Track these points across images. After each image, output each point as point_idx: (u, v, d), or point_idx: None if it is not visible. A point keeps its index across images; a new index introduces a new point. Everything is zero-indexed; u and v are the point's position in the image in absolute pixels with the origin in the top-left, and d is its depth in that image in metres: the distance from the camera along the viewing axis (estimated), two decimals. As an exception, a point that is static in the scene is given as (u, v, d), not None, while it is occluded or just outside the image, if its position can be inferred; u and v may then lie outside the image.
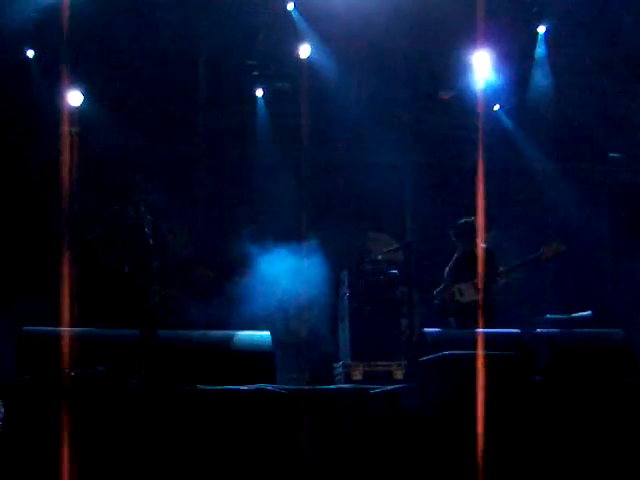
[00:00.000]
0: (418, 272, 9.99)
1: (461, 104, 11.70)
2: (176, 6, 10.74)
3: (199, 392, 6.00)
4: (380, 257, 10.59)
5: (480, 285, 8.63)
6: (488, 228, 9.12)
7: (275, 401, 6.01)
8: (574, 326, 9.44)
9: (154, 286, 8.81)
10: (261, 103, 11.94)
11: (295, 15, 11.00)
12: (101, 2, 10.37)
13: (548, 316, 9.87)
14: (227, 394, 6.01)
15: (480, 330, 7.46)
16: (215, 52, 11.49)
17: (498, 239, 10.54)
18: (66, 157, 9.27)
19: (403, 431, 6.02)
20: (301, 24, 11.02)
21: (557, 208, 11.63)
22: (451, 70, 11.38)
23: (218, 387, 6.07)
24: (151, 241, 8.32)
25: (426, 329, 7.32)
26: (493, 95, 11.56)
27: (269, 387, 6.09)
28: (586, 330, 7.85)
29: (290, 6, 10.96)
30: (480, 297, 8.59)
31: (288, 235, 10.59)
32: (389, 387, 6.32)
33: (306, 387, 7.17)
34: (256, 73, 11.61)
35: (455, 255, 9.18)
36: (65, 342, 6.05)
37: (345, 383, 9.23)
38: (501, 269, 8.84)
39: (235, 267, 10.78)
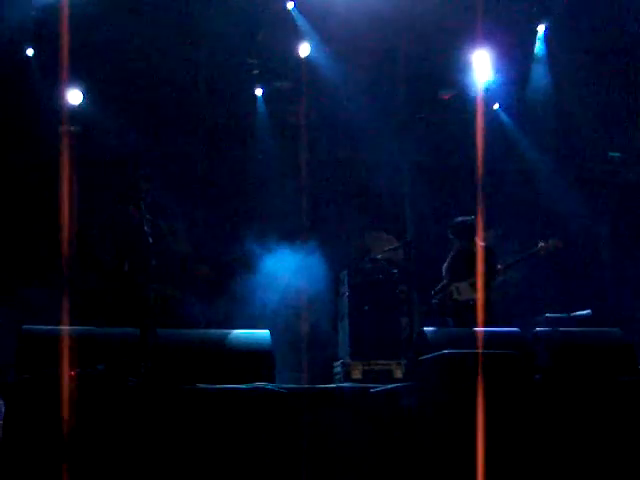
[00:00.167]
0: (418, 271, 9.99)
1: (461, 103, 11.70)
2: (176, 5, 10.73)
3: (198, 391, 6.00)
4: (380, 256, 10.60)
5: (480, 284, 8.63)
6: (487, 227, 9.12)
7: (274, 400, 6.01)
8: (573, 325, 9.47)
9: (153, 285, 8.82)
10: (261, 102, 11.93)
11: (295, 14, 11.00)
12: (101, 1, 10.37)
13: (548, 315, 9.90)
14: (226, 393, 6.02)
15: (480, 329, 7.46)
16: (215, 51, 11.48)
17: (497, 238, 10.55)
18: (65, 156, 9.26)
19: (403, 430, 6.02)
20: (301, 23, 11.02)
21: (556, 207, 11.62)
22: (451, 69, 11.38)
23: (217, 386, 6.07)
24: (150, 240, 8.31)
25: (426, 328, 7.32)
26: (493, 94, 11.56)
27: (268, 386, 6.10)
28: (585, 329, 7.85)
29: (290, 5, 10.96)
30: (480, 295, 8.59)
31: (288, 234, 10.60)
32: (389, 386, 6.32)
33: (305, 386, 7.18)
34: (256, 72, 11.60)
35: (451, 253, 9.18)
36: (65, 341, 6.04)
37: (345, 382, 9.23)
38: (499, 267, 8.85)
39: (235, 266, 10.79)
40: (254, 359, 6.52)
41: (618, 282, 11.80)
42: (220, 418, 5.93)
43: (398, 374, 9.60)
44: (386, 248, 10.69)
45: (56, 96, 10.37)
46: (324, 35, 11.06)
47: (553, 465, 6.03)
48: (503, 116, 12.00)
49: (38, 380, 5.76)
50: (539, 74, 11.64)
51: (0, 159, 10.76)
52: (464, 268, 8.91)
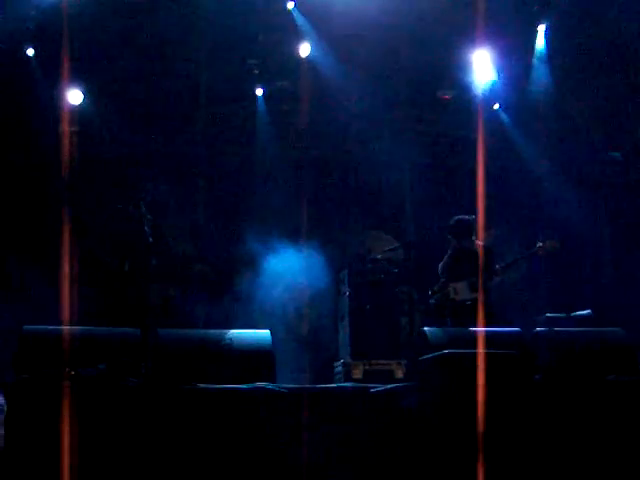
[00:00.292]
0: (418, 271, 9.99)
1: (461, 103, 11.69)
2: (176, 5, 10.73)
3: (199, 391, 6.00)
4: (380, 256, 10.60)
5: (480, 283, 8.63)
6: (487, 227, 9.12)
7: (275, 400, 6.01)
8: (574, 325, 9.46)
9: (154, 285, 8.83)
10: (261, 102, 11.93)
11: (295, 14, 10.99)
12: (101, 1, 10.37)
13: (548, 315, 9.89)
14: (227, 393, 6.02)
15: (480, 329, 7.46)
16: (215, 51, 11.48)
17: (497, 238, 10.55)
18: (66, 156, 9.27)
19: (403, 430, 6.02)
20: (301, 23, 11.02)
21: (556, 207, 11.62)
22: (451, 69, 11.38)
23: (218, 386, 6.07)
24: (151, 239, 8.33)
25: (426, 328, 7.32)
26: (493, 94, 11.55)
27: (269, 386, 6.10)
28: (586, 329, 7.85)
29: (290, 5, 10.96)
30: (480, 295, 8.59)
31: (288, 234, 10.60)
32: (389, 386, 6.32)
33: (306, 386, 7.18)
34: (256, 72, 11.59)
35: (449, 252, 9.17)
36: (65, 341, 6.05)
37: (345, 382, 9.22)
38: (497, 267, 8.85)
39: (235, 266, 10.80)
40: (255, 359, 6.52)
41: (618, 282, 11.80)
42: (221, 418, 5.93)
43: (399, 374, 9.60)
44: (386, 248, 10.69)
45: (56, 96, 10.37)
46: (324, 35, 11.05)
47: (553, 465, 6.04)
48: (503, 116, 12.00)
49: (38, 380, 5.77)
50: (539, 74, 11.63)
51: (0, 159, 10.76)
52: (462, 268, 8.90)
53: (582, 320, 9.72)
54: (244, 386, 6.07)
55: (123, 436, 5.75)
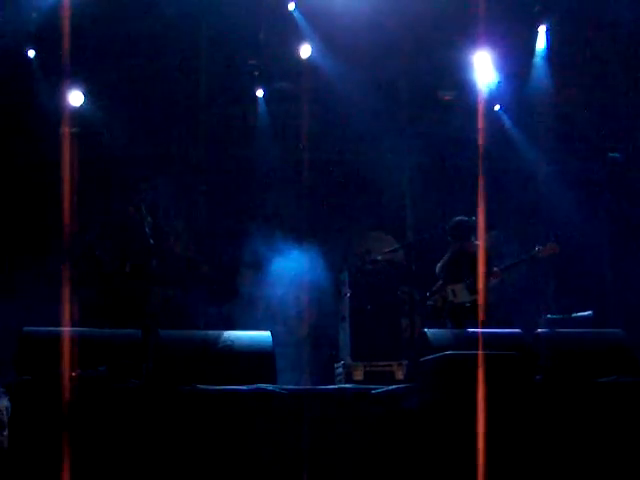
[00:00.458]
0: (419, 272, 9.98)
1: (462, 104, 11.69)
2: (177, 6, 10.74)
3: (199, 392, 6.00)
4: (380, 257, 10.59)
5: (480, 285, 8.62)
6: (488, 228, 9.11)
7: (275, 401, 6.01)
8: (575, 326, 9.45)
9: (155, 286, 8.83)
10: (262, 103, 11.93)
11: (296, 15, 11.00)
12: (102, 2, 10.37)
13: (549, 316, 9.89)
14: (227, 394, 6.02)
15: (481, 330, 7.46)
16: (216, 52, 11.48)
17: (497, 239, 10.54)
18: (66, 157, 9.26)
19: (404, 431, 6.02)
20: (302, 24, 11.02)
21: (557, 208, 11.61)
22: (452, 70, 11.38)
23: (218, 387, 6.07)
24: (151, 241, 8.34)
25: (427, 329, 7.32)
26: (494, 95, 11.55)
27: (269, 387, 6.10)
28: (586, 330, 7.85)
29: (291, 6, 10.96)
30: (480, 297, 8.58)
31: (289, 235, 10.59)
32: (390, 387, 6.32)
33: (307, 387, 7.18)
34: (257, 73, 11.60)
35: (448, 254, 9.17)
36: (66, 342, 6.04)
37: (346, 383, 9.22)
38: (495, 269, 8.84)
39: (236, 267, 10.79)
40: (255, 360, 6.52)
41: (619, 283, 11.79)
42: (221, 419, 5.94)
43: (399, 375, 9.59)
44: (387, 249, 10.69)
45: (57, 97, 10.37)
46: (325, 36, 11.06)
47: (554, 466, 6.04)
48: (504, 117, 11.99)
49: (39, 381, 5.77)
50: (540, 75, 11.63)
51: (1, 160, 10.77)
52: (460, 269, 8.89)
53: (583, 321, 9.72)
54: (244, 387, 6.08)
55: (124, 437, 5.76)
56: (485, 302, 8.56)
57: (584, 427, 6.14)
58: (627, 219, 11.89)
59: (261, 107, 11.93)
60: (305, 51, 11.22)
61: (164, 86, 11.34)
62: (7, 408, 5.43)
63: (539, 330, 7.38)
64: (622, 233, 11.91)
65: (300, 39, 11.16)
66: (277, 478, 5.88)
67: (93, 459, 5.65)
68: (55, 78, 10.12)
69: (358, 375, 9.69)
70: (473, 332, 7.29)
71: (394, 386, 6.40)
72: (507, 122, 11.96)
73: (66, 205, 8.09)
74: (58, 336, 6.24)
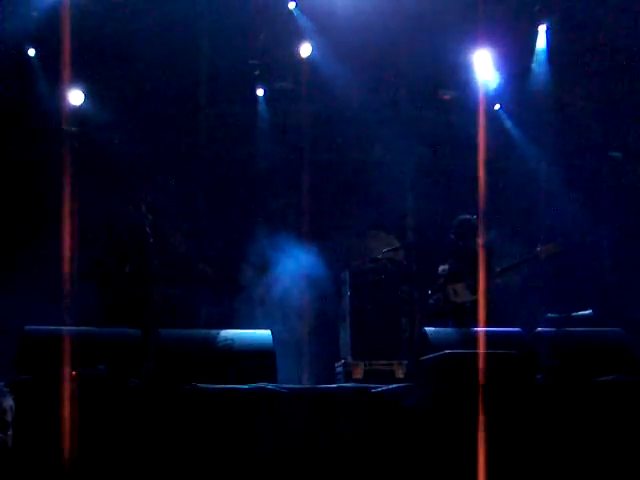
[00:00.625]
0: (419, 271, 9.98)
1: (462, 104, 11.69)
2: (177, 5, 10.74)
3: (199, 391, 6.00)
4: (381, 256, 10.59)
5: (481, 284, 8.61)
6: (488, 228, 9.11)
7: (275, 400, 6.01)
8: (575, 325, 9.45)
9: (155, 285, 8.83)
10: (262, 102, 11.93)
11: (296, 14, 11.00)
12: (102, 2, 10.38)
13: (549, 315, 9.88)
14: (227, 393, 6.02)
15: (481, 329, 7.46)
16: (216, 51, 11.48)
17: (498, 239, 10.54)
18: (67, 156, 9.27)
19: (404, 430, 6.02)
20: (302, 23, 11.02)
21: (557, 207, 11.61)
22: (452, 69, 11.38)
23: (218, 386, 6.07)
24: (152, 240, 8.33)
25: (427, 328, 7.32)
26: (494, 94, 11.55)
27: (269, 386, 6.10)
28: (587, 329, 7.85)
29: (291, 5, 10.96)
30: (481, 296, 8.58)
31: (289, 234, 10.59)
32: (390, 386, 6.32)
33: (307, 386, 7.18)
34: (257, 72, 11.59)
35: (450, 252, 9.17)
36: (66, 341, 6.05)
37: (346, 382, 9.22)
38: (497, 269, 8.84)
39: (236, 265, 10.79)
40: (255, 359, 6.53)
41: (619, 282, 11.79)
42: (221, 418, 5.94)
43: (399, 374, 9.59)
44: (387, 248, 10.68)
45: (57, 96, 10.37)
46: (325, 35, 11.06)
47: (554, 466, 6.04)
48: (504, 116, 11.99)
49: (39, 381, 5.77)
50: (540, 74, 11.63)
51: (1, 159, 10.77)
52: (462, 269, 8.89)
53: (583, 320, 9.71)
54: (245, 386, 6.08)
55: (124, 436, 5.76)
56: (487, 301, 8.56)
57: (584, 426, 6.13)
58: (627, 219, 11.89)
59: (261, 107, 11.93)
60: (305, 51, 11.22)
61: (164, 86, 11.34)
62: (12, 407, 5.43)
63: (539, 329, 7.37)
64: (623, 233, 11.91)
65: (300, 38, 11.16)
66: (277, 477, 5.88)
67: (93, 458, 5.65)
68: (55, 77, 10.12)
69: (358, 374, 9.69)
70: (473, 331, 7.29)
71: (394, 385, 6.39)
72: (507, 122, 11.96)
73: (66, 204, 8.10)
74: (58, 335, 6.24)
